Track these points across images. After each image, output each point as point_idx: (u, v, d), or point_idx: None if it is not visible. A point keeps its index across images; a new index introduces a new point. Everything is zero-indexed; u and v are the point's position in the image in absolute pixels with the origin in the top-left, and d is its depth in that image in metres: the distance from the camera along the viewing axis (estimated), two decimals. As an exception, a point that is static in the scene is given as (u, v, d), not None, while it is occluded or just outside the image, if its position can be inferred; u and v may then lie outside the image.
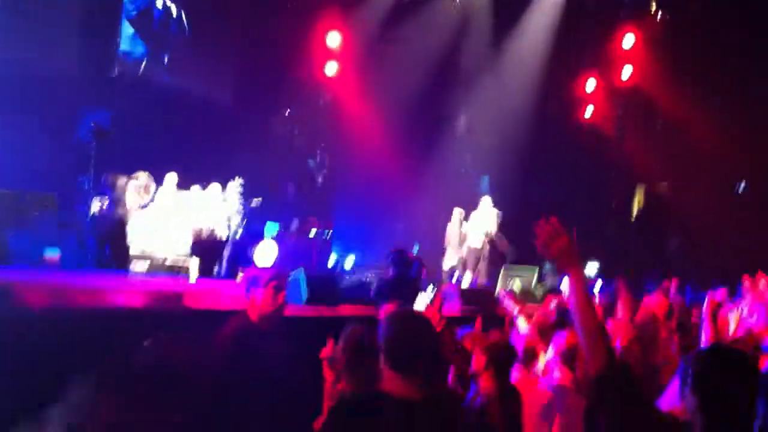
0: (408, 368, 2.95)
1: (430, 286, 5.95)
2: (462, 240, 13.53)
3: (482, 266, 13.10)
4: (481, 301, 9.10)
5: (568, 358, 4.63)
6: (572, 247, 2.83)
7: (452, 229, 13.69)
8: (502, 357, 4.43)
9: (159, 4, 14.93)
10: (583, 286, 2.82)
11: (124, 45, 14.52)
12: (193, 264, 11.02)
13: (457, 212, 13.66)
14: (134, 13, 14.67)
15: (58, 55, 13.36)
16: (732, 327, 6.75)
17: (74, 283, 7.61)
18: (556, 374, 4.70)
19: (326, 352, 3.84)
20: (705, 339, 5.06)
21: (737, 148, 15.68)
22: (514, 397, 4.41)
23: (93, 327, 5.30)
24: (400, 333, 3.04)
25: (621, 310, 6.36)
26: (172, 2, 15.04)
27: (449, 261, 13.54)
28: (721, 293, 8.13)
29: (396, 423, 2.88)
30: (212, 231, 12.02)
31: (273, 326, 4.37)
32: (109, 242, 9.85)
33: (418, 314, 3.31)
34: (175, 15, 15.11)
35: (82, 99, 11.64)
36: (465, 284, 12.42)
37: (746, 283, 8.61)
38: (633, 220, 18.02)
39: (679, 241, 16.87)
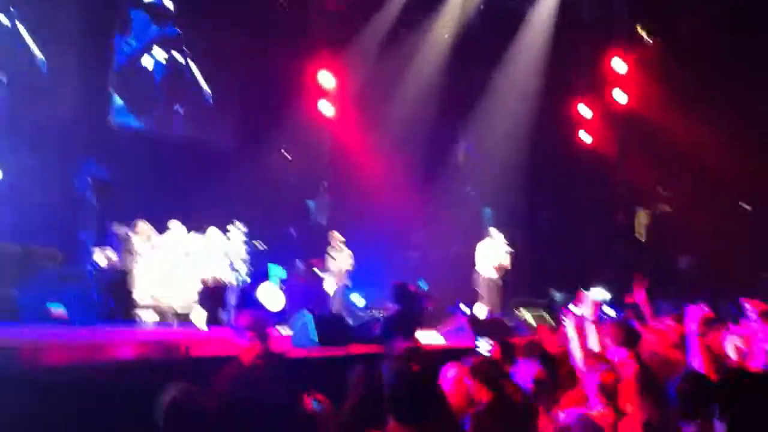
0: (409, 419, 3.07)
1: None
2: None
3: (495, 298, 12.93)
4: (494, 332, 8.96)
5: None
6: None
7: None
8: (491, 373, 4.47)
9: (145, 63, 14.80)
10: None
11: (116, 116, 14.38)
12: (200, 314, 10.93)
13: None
14: (121, 65, 14.45)
15: (54, 105, 13.31)
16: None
17: (82, 338, 7.52)
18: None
19: (308, 405, 3.81)
20: (697, 362, 4.55)
21: (740, 165, 15.54)
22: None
23: (102, 381, 5.22)
24: (400, 384, 3.15)
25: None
26: (163, 54, 14.97)
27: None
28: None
29: None
30: (218, 278, 11.89)
31: (269, 370, 4.31)
32: (113, 294, 9.76)
33: (417, 359, 3.31)
34: (168, 72, 15.02)
35: (80, 150, 11.62)
36: (481, 315, 12.27)
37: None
38: (640, 242, 17.86)
39: (689, 262, 16.67)
